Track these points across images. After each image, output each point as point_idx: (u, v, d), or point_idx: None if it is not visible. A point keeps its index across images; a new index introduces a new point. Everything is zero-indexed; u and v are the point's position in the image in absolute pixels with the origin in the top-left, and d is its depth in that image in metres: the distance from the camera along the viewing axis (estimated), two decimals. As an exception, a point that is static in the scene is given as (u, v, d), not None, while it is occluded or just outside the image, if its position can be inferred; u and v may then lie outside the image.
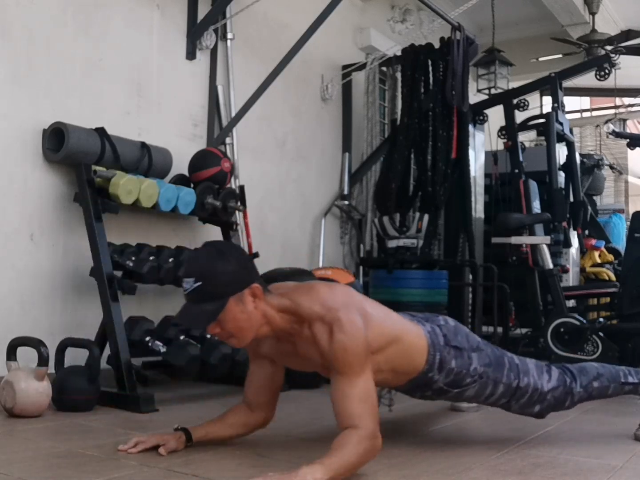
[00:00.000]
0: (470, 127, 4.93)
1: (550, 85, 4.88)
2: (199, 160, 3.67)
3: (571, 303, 4.56)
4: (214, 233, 3.84)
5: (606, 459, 2.11)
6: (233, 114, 4.10)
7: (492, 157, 5.48)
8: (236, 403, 2.12)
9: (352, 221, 5.13)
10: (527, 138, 7.50)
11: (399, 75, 4.94)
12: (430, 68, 4.68)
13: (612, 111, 9.84)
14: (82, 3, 3.33)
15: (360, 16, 5.47)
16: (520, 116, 5.15)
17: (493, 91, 6.07)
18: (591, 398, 2.28)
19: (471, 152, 4.93)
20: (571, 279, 5.80)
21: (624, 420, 2.52)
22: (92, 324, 3.11)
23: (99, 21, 3.42)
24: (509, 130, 5.01)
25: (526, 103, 5.11)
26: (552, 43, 6.58)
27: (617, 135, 4.01)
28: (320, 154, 5.01)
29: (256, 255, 3.85)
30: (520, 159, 4.91)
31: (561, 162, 5.13)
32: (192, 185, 3.60)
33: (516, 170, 4.90)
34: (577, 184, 5.08)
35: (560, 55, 6.92)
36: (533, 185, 4.98)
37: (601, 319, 3.91)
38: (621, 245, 7.04)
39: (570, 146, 5.14)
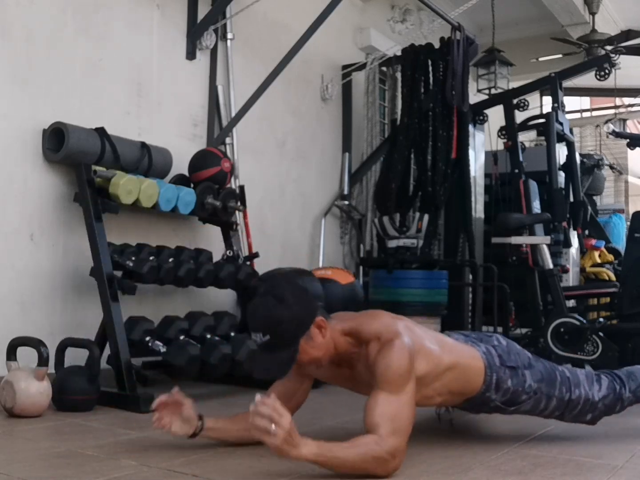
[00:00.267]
0: (470, 127, 4.94)
1: (550, 85, 4.88)
2: (199, 160, 3.67)
3: (571, 303, 4.56)
4: (214, 233, 3.84)
5: (606, 459, 2.11)
6: (233, 114, 4.10)
7: (492, 157, 5.48)
8: (236, 403, 2.12)
9: (352, 221, 5.13)
10: (527, 138, 7.50)
11: (399, 75, 4.94)
12: (430, 68, 4.68)
13: (612, 111, 9.84)
14: (82, 3, 3.33)
15: (360, 16, 5.47)
16: (520, 116, 5.15)
17: (493, 91, 6.07)
18: (639, 401, 2.34)
19: (471, 152, 4.93)
20: (571, 279, 5.80)
21: (624, 420, 2.52)
22: (92, 324, 3.11)
23: (99, 21, 3.42)
24: (509, 130, 5.01)
25: (526, 103, 5.11)
26: (552, 43, 6.58)
27: (617, 135, 4.01)
28: (320, 154, 5.01)
29: (256, 255, 3.85)
30: (520, 159, 4.91)
31: (561, 162, 5.13)
32: (192, 185, 3.60)
33: (516, 170, 4.90)
34: (577, 184, 5.08)
35: (560, 55, 6.92)
36: (533, 185, 4.97)
37: (601, 319, 3.91)
38: (621, 245, 7.04)
39: (570, 146, 5.14)
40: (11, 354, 2.63)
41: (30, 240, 3.10)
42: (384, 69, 5.35)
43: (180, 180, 3.59)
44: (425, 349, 1.98)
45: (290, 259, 4.52)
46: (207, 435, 2.04)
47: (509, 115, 5.03)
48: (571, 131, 5.38)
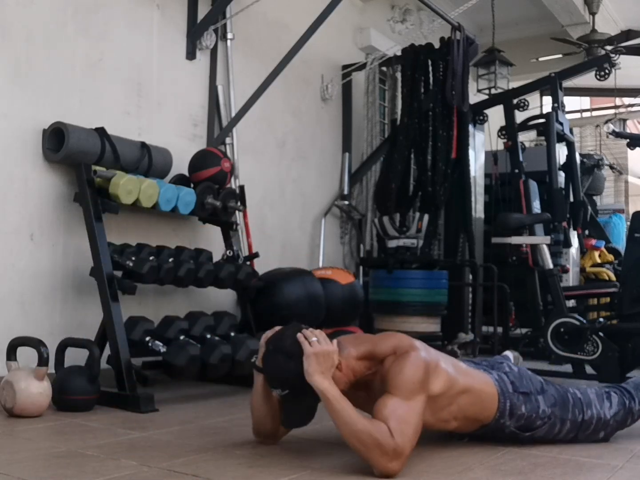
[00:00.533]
0: (470, 127, 4.94)
1: (550, 85, 4.88)
2: (199, 160, 3.67)
3: (571, 303, 4.55)
4: (214, 233, 3.84)
5: (606, 459, 2.11)
6: (233, 114, 4.10)
7: (492, 157, 5.48)
8: (236, 403, 2.13)
9: (352, 221, 5.13)
10: (527, 138, 7.50)
11: (399, 75, 4.94)
12: (430, 68, 4.69)
13: (612, 111, 9.85)
14: (82, 3, 3.33)
15: (360, 16, 5.47)
16: (520, 116, 5.15)
17: (493, 91, 6.08)
18: None
19: (471, 152, 4.94)
20: (571, 279, 5.80)
21: (624, 420, 2.51)
22: (92, 324, 3.11)
23: (99, 21, 3.42)
24: (509, 130, 5.01)
25: (526, 103, 5.11)
26: (552, 43, 6.58)
27: (617, 135, 4.01)
28: (320, 154, 5.01)
29: (256, 255, 3.85)
30: (520, 159, 4.91)
31: (561, 162, 5.13)
32: (192, 185, 3.60)
33: (516, 170, 4.90)
34: (577, 184, 5.08)
35: (560, 55, 6.92)
36: (533, 185, 4.97)
37: (601, 319, 3.91)
38: (621, 245, 7.05)
39: (570, 146, 5.13)
40: (11, 354, 2.63)
41: (30, 240, 3.10)
42: (384, 69, 5.35)
43: (180, 180, 3.59)
44: (441, 369, 1.99)
45: (290, 259, 4.52)
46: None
47: (509, 115, 5.03)
48: (571, 131, 5.38)
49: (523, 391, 2.15)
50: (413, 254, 4.32)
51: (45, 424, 2.40)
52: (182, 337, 3.05)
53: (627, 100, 9.52)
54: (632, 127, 11.54)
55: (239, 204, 3.79)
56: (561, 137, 4.94)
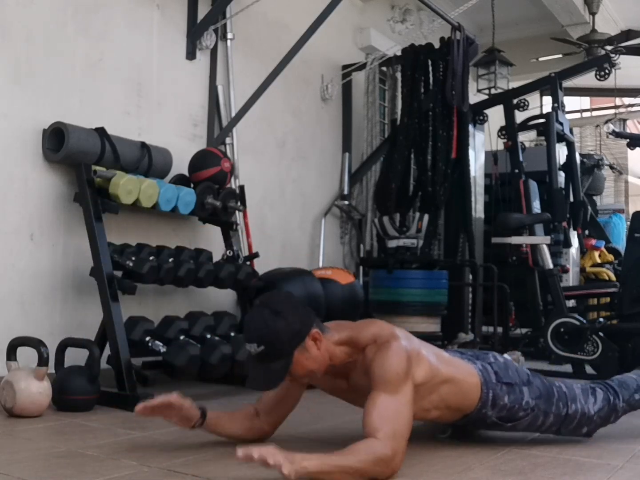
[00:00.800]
0: (470, 127, 4.94)
1: (550, 85, 4.89)
2: (199, 160, 3.67)
3: (571, 303, 4.56)
4: (214, 233, 3.84)
5: (606, 459, 2.11)
6: (233, 114, 4.10)
7: (492, 157, 5.48)
8: (236, 403, 2.13)
9: (352, 221, 5.13)
10: (527, 138, 7.50)
11: (399, 75, 4.94)
12: (430, 68, 4.69)
13: (612, 111, 9.84)
14: (82, 3, 3.33)
15: (360, 16, 5.47)
16: (520, 116, 5.15)
17: (493, 91, 6.07)
18: (633, 409, 2.35)
19: (471, 152, 4.93)
20: (571, 279, 5.80)
21: (624, 421, 2.51)
22: (92, 324, 3.11)
23: (99, 21, 3.42)
24: (509, 130, 5.01)
25: (526, 103, 5.12)
26: (552, 43, 6.58)
27: (617, 135, 4.02)
28: (320, 154, 5.01)
29: (256, 255, 3.85)
30: (520, 159, 4.91)
31: (561, 162, 5.13)
32: (192, 185, 3.60)
33: (516, 170, 4.90)
34: (577, 184, 5.08)
35: (560, 55, 6.92)
36: (533, 185, 4.98)
37: (601, 319, 3.91)
38: (621, 245, 7.05)
39: (570, 146, 5.14)
40: (11, 354, 2.63)
41: (30, 240, 3.10)
42: (384, 69, 5.35)
43: (180, 180, 3.59)
44: (423, 357, 1.98)
45: (290, 259, 4.52)
46: (204, 429, 2.08)
47: (509, 115, 5.03)
48: (571, 131, 5.38)
49: (507, 382, 2.14)
50: (413, 254, 4.32)
51: (45, 424, 2.40)
52: (182, 337, 3.05)
53: (627, 100, 9.52)
54: (632, 127, 11.53)
55: (239, 204, 3.80)
56: (561, 137, 4.95)
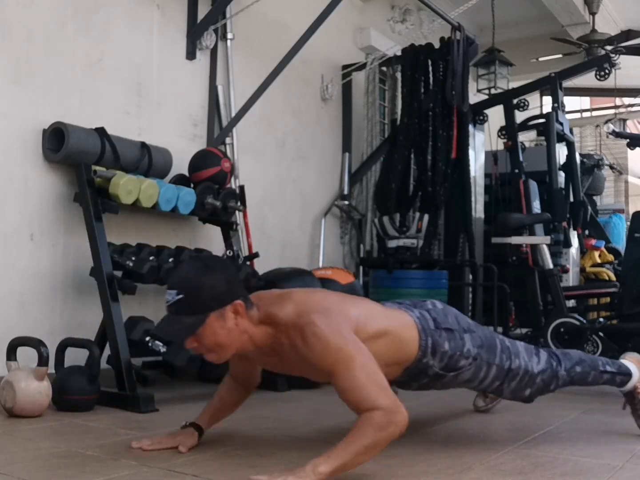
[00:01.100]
0: (470, 127, 4.94)
1: (550, 85, 4.89)
2: (199, 160, 3.67)
3: (571, 303, 4.56)
4: (214, 233, 3.84)
5: (606, 459, 2.11)
6: (233, 114, 4.10)
7: (492, 157, 5.48)
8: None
9: (352, 221, 5.13)
10: (527, 138, 7.50)
11: (399, 75, 4.94)
12: (430, 68, 4.69)
13: (612, 111, 9.85)
14: (82, 3, 3.34)
15: (360, 16, 5.47)
16: (520, 116, 5.15)
17: (493, 91, 6.08)
18: (573, 383, 2.29)
19: (471, 152, 4.94)
20: (571, 279, 5.80)
21: (624, 420, 2.51)
22: (92, 324, 3.11)
23: (99, 21, 3.42)
24: (509, 130, 5.01)
25: (526, 103, 5.12)
26: (552, 43, 6.59)
27: (617, 135, 4.01)
28: (320, 154, 5.01)
29: (256, 255, 3.85)
30: (520, 159, 4.91)
31: (561, 162, 5.13)
32: (192, 185, 3.60)
33: (516, 170, 4.90)
34: (577, 184, 5.09)
35: (560, 55, 6.92)
36: (533, 185, 4.98)
37: (601, 319, 3.91)
38: (621, 245, 7.05)
39: (570, 146, 5.14)
40: (11, 354, 2.63)
41: (30, 240, 3.10)
42: (384, 69, 5.35)
43: (180, 180, 3.59)
44: (349, 315, 1.88)
45: (290, 259, 4.52)
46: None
47: (509, 115, 5.03)
48: (571, 131, 5.39)
49: (446, 327, 2.05)
50: (413, 254, 4.32)
51: (45, 424, 2.40)
52: (182, 337, 3.04)
53: (627, 100, 9.52)
54: (632, 127, 11.54)
55: (239, 204, 3.80)
56: (561, 137, 4.95)
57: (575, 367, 2.27)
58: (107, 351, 2.91)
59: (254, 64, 4.31)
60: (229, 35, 4.14)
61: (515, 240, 4.11)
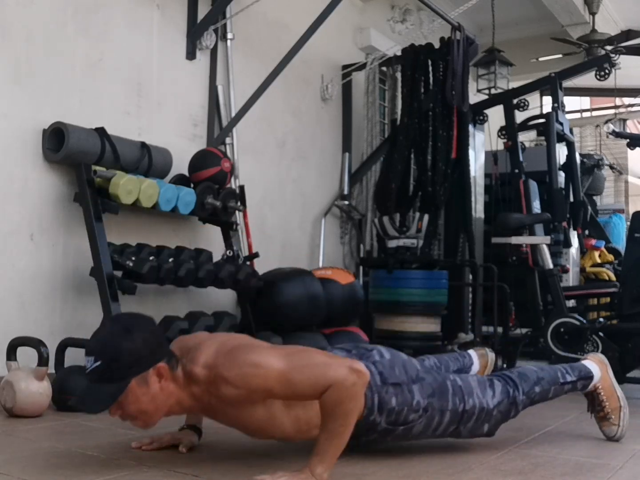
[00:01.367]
0: (470, 127, 4.94)
1: (550, 85, 4.88)
2: (199, 160, 3.67)
3: (571, 303, 4.56)
4: (214, 233, 3.84)
5: (606, 459, 2.11)
6: (233, 114, 4.10)
7: (492, 157, 5.48)
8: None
9: (352, 221, 5.13)
10: (527, 138, 7.50)
11: (399, 75, 4.94)
12: (430, 68, 4.69)
13: (612, 111, 9.85)
14: (82, 3, 3.34)
15: (360, 16, 5.47)
16: (520, 116, 5.15)
17: (493, 91, 6.07)
18: (534, 403, 2.23)
19: (471, 152, 4.94)
20: (571, 279, 5.80)
21: (624, 420, 2.51)
22: (92, 324, 3.10)
23: (99, 21, 3.42)
24: (509, 130, 5.01)
25: (526, 103, 5.11)
26: (552, 43, 6.58)
27: (617, 135, 4.01)
28: (320, 154, 5.01)
29: (256, 255, 3.85)
30: (520, 159, 4.91)
31: (561, 162, 5.13)
32: (192, 185, 3.60)
33: (516, 170, 4.90)
34: (577, 184, 5.08)
35: (560, 55, 6.92)
36: (533, 185, 4.97)
37: (601, 319, 3.91)
38: (621, 245, 7.05)
39: (570, 146, 5.14)
40: (11, 354, 2.63)
41: (30, 240, 3.10)
42: (384, 69, 5.35)
43: (180, 180, 3.59)
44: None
45: (290, 259, 4.52)
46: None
47: (509, 115, 5.03)
48: (571, 131, 5.38)
49: (393, 382, 1.94)
50: (413, 254, 4.32)
51: (45, 424, 2.40)
52: (182, 337, 3.04)
53: (627, 100, 9.52)
54: (632, 127, 11.54)
55: (239, 204, 3.80)
56: (561, 137, 4.94)
57: (534, 388, 2.19)
58: (107, 351, 2.91)
59: (254, 64, 4.31)
60: (229, 35, 4.14)
61: (515, 240, 4.11)
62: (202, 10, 3.95)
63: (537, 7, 6.31)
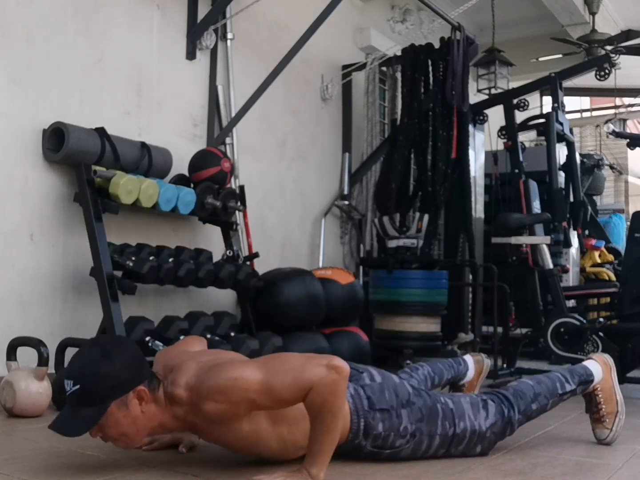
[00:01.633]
0: (470, 127, 4.94)
1: (550, 85, 4.88)
2: (199, 160, 3.67)
3: (571, 303, 4.56)
4: (214, 233, 3.84)
5: (606, 459, 2.11)
6: (233, 114, 4.10)
7: (492, 157, 5.48)
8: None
9: (352, 221, 5.13)
10: (527, 138, 7.50)
11: (399, 75, 4.94)
12: (430, 68, 4.69)
13: (612, 111, 9.85)
14: (82, 3, 3.34)
15: (360, 16, 5.47)
16: (520, 116, 5.15)
17: (493, 91, 6.07)
18: (530, 419, 2.19)
19: (471, 152, 4.94)
20: (571, 279, 5.80)
21: (624, 420, 2.51)
22: (92, 324, 3.11)
23: (99, 21, 3.42)
24: (509, 130, 5.01)
25: (526, 103, 5.11)
26: (552, 43, 6.58)
27: (617, 135, 4.01)
28: (320, 154, 5.01)
29: (256, 255, 3.85)
30: (520, 159, 4.91)
31: (561, 162, 5.13)
32: (192, 185, 3.60)
33: (516, 170, 4.90)
34: (577, 184, 5.08)
35: (560, 55, 6.92)
36: (533, 185, 4.97)
37: (601, 319, 3.91)
38: (621, 245, 7.05)
39: (570, 146, 5.13)
40: (11, 354, 2.63)
41: (30, 240, 3.10)
42: (384, 69, 5.35)
43: (180, 180, 3.59)
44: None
45: (290, 259, 4.52)
46: None
47: (509, 115, 5.03)
48: (571, 131, 5.38)
49: (381, 408, 1.91)
50: (413, 254, 4.32)
51: (45, 424, 2.39)
52: (182, 337, 3.04)
53: (627, 100, 9.52)
54: (632, 127, 11.54)
55: (239, 204, 3.80)
56: (561, 137, 4.94)
57: (531, 406, 2.14)
58: (107, 351, 2.90)
59: (254, 64, 4.31)
60: (229, 35, 4.14)
61: (515, 240, 4.11)
62: (202, 10, 3.95)
63: (537, 7, 6.31)
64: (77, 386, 1.67)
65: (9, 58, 3.03)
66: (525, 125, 5.10)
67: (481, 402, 2.09)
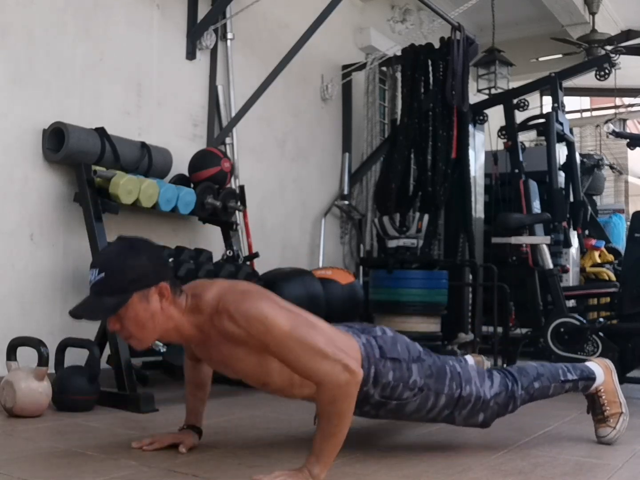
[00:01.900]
0: (470, 127, 4.94)
1: (550, 85, 4.88)
2: (199, 160, 3.67)
3: (571, 303, 4.55)
4: (214, 233, 3.84)
5: (606, 459, 2.11)
6: (233, 114, 4.10)
7: (492, 157, 5.48)
8: (236, 403, 2.12)
9: (352, 221, 5.13)
10: (527, 138, 7.50)
11: (399, 75, 4.94)
12: (430, 68, 4.69)
13: (612, 111, 9.85)
14: (82, 3, 3.34)
15: (360, 16, 5.47)
16: (520, 116, 5.15)
17: (493, 91, 6.08)
18: (533, 399, 2.21)
19: (471, 152, 4.93)
20: (571, 279, 5.80)
21: (624, 420, 2.52)
22: (92, 324, 3.10)
23: (99, 21, 3.42)
24: (509, 130, 5.01)
25: (526, 103, 5.11)
26: (552, 43, 6.59)
27: (617, 135, 4.01)
28: (320, 154, 5.01)
29: (256, 255, 3.85)
30: (520, 159, 4.91)
31: (561, 162, 5.13)
32: (192, 185, 3.60)
33: (516, 170, 4.90)
34: (577, 184, 5.08)
35: (560, 55, 6.92)
36: (533, 185, 4.97)
37: (601, 319, 3.91)
38: (621, 245, 7.05)
39: (570, 146, 5.14)
40: (11, 354, 2.63)
41: (30, 240, 3.10)
42: (384, 69, 5.35)
43: (180, 180, 3.59)
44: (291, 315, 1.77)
45: (290, 259, 4.52)
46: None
47: (509, 115, 5.03)
48: (571, 131, 5.38)
49: (392, 357, 1.94)
50: (413, 254, 4.32)
51: (45, 424, 2.40)
52: (182, 337, 3.05)
53: (627, 100, 9.52)
54: (632, 127, 11.54)
55: (239, 204, 3.80)
56: (561, 137, 4.94)
57: (534, 384, 2.18)
58: (107, 351, 2.91)
59: (254, 64, 4.31)
60: (229, 35, 4.14)
61: (515, 240, 4.11)
62: (202, 10, 3.95)
63: (537, 7, 6.31)
64: (102, 274, 1.72)
65: (9, 58, 3.03)
66: (525, 125, 5.10)
67: (486, 373, 2.14)
